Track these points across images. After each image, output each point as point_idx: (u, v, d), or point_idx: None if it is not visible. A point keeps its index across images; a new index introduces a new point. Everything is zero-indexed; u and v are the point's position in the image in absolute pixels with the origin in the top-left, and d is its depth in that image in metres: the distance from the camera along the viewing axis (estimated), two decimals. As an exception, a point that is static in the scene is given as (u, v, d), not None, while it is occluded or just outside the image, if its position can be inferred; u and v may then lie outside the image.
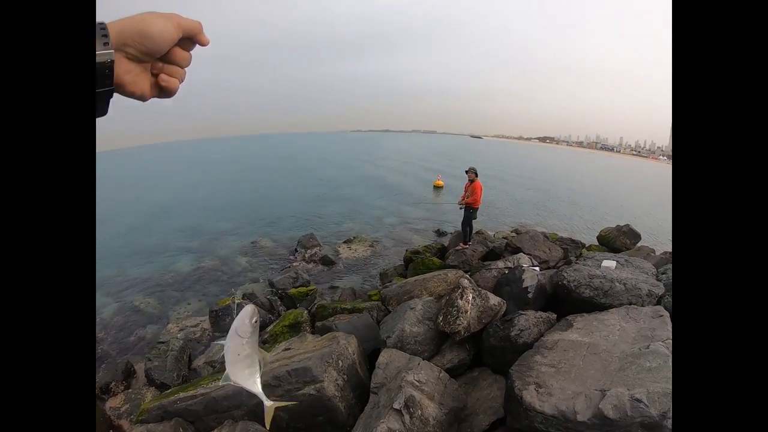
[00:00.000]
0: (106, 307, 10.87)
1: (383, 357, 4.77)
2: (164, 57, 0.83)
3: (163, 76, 0.84)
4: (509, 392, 3.88)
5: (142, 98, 0.83)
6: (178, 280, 12.67)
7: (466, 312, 5.37)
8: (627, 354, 3.91)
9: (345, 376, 4.67)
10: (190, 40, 0.86)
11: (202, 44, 0.89)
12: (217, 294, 11.24)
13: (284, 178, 38.63)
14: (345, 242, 15.32)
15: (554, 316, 5.24)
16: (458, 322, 5.30)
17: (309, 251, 14.12)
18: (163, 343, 8.13)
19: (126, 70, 0.76)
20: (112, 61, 0.71)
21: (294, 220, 19.62)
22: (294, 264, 13.23)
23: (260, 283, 11.72)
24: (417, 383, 4.02)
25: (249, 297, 9.91)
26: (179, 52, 0.85)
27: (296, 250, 14.50)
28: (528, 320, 5.05)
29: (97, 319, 10.17)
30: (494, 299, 5.67)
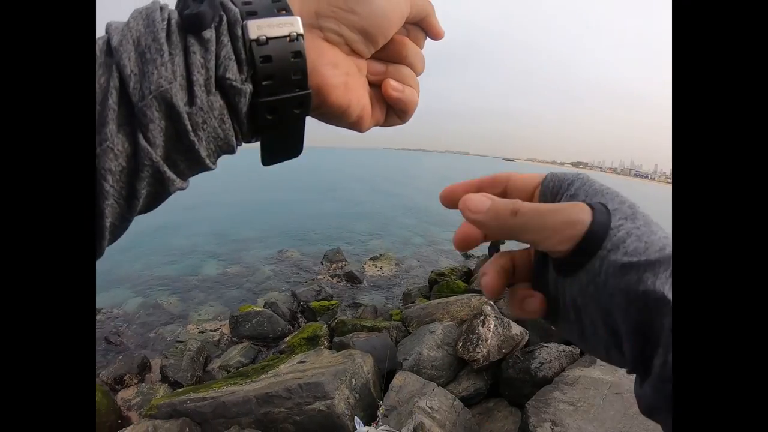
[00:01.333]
0: (129, 301, 11.15)
1: (397, 380, 4.68)
2: (385, 53, 0.49)
3: (392, 83, 0.49)
4: (523, 428, 3.75)
5: (360, 123, 0.49)
6: (203, 282, 12.88)
7: (487, 340, 5.25)
8: (651, 397, 3.73)
9: (357, 395, 4.61)
10: (418, 28, 0.51)
11: (436, 36, 0.53)
12: (241, 300, 11.36)
13: (314, 192, 39.08)
14: (371, 259, 15.27)
15: (578, 350, 5.07)
16: (477, 349, 5.18)
17: (335, 265, 14.14)
18: (181, 342, 8.26)
19: (330, 62, 0.43)
20: (300, 37, 0.40)
21: (322, 234, 19.76)
22: (318, 277, 13.27)
23: (283, 292, 11.77)
24: (429, 410, 3.93)
25: (270, 306, 9.96)
26: (410, 46, 0.50)
27: (322, 264, 14.55)
28: (550, 353, 4.90)
29: (120, 313, 10.48)
30: (517, 329, 5.52)
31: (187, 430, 4.28)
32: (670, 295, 0.35)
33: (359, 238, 19.37)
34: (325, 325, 8.09)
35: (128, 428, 4.33)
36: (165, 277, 13.13)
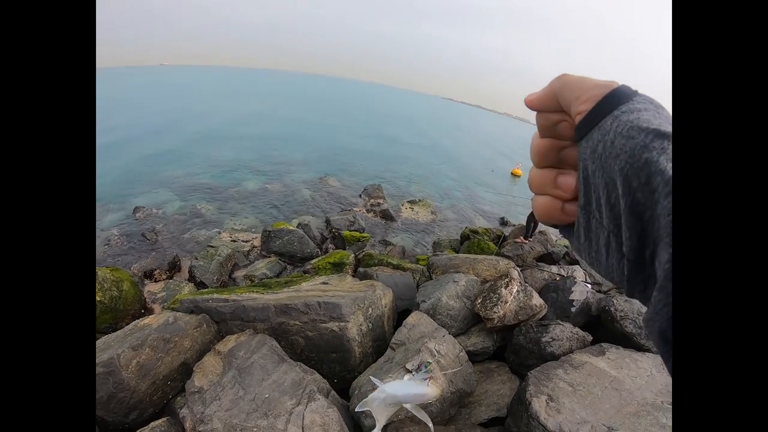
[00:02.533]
0: (169, 203, 11.69)
1: (412, 318, 4.84)
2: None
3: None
4: (520, 394, 3.86)
5: None
6: (242, 195, 13.30)
7: (506, 303, 5.31)
8: (648, 402, 3.77)
9: (370, 324, 4.80)
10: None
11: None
12: (276, 217, 11.69)
13: (364, 125, 38.78)
14: (409, 202, 15.36)
15: (590, 338, 5.09)
16: (495, 309, 5.26)
17: (372, 200, 14.29)
18: (213, 247, 8.68)
19: None
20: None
21: (365, 168, 19.81)
22: (355, 209, 13.46)
23: (317, 217, 12.04)
24: (435, 352, 4.08)
25: (303, 227, 10.23)
26: None
27: (360, 197, 14.71)
28: (563, 332, 4.94)
29: (159, 212, 11.04)
30: (537, 299, 5.56)
31: (204, 325, 4.54)
32: (670, 173, 0.36)
33: (401, 180, 19.37)
34: (353, 255, 8.29)
35: (150, 316, 4.60)
36: (206, 185, 13.61)
